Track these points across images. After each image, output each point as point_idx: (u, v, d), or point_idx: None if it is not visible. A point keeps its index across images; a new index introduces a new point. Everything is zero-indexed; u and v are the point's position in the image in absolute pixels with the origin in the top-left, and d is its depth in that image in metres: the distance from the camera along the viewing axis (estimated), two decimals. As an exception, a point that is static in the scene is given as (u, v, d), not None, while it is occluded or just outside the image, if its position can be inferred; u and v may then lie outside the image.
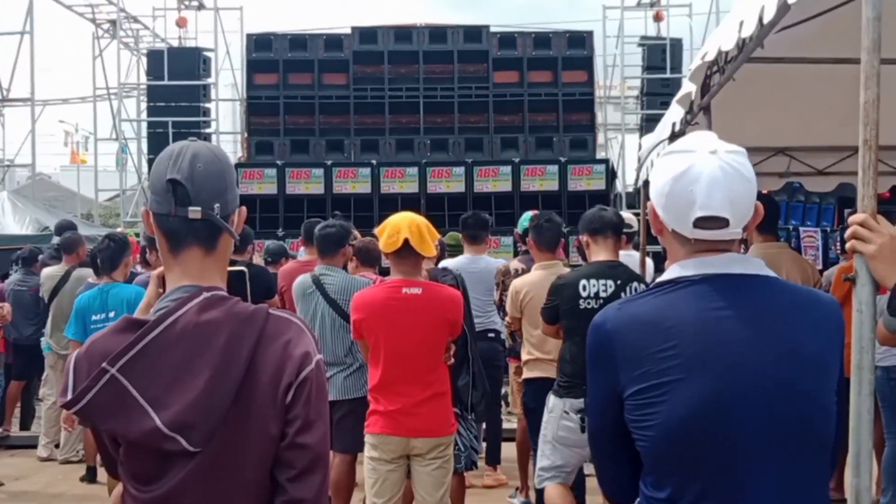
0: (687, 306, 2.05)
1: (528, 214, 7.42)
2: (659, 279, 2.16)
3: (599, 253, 5.45)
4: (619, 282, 5.30)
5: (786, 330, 2.04)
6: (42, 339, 9.14)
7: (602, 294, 5.25)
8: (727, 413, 1.99)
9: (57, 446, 8.94)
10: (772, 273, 2.13)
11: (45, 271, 9.32)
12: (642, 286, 5.25)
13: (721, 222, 2.05)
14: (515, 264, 6.94)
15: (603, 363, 2.13)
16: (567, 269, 6.12)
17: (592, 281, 5.30)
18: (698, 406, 1.99)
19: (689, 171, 2.05)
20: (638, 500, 2.15)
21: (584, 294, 5.28)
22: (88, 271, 8.50)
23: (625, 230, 8.16)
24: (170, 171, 1.99)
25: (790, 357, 2.02)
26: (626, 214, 8.76)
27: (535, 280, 6.14)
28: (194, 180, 1.99)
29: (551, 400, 5.42)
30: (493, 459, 7.78)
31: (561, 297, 5.38)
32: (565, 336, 5.45)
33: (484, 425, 7.65)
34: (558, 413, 5.33)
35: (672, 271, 2.13)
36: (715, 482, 2.01)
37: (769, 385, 2.00)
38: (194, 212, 1.98)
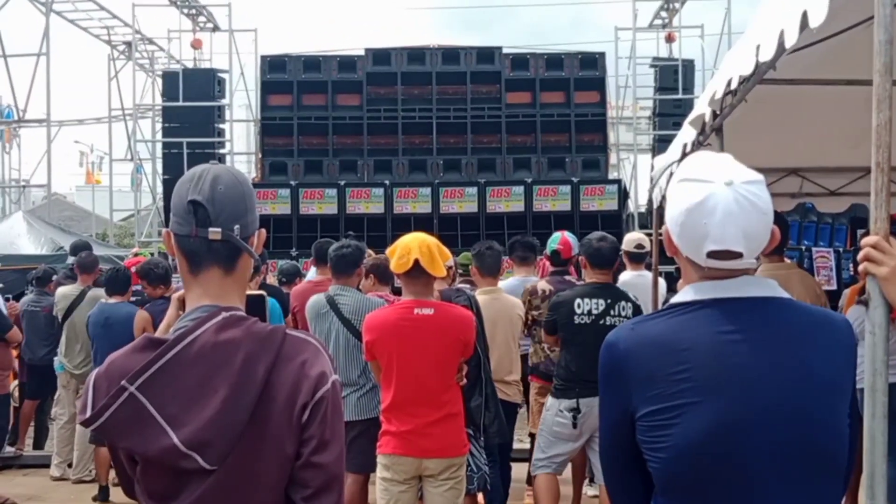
0: (701, 329, 2.05)
1: (558, 236, 7.47)
2: (673, 300, 2.16)
3: (594, 276, 6.29)
4: (608, 300, 6.14)
5: (799, 353, 2.04)
6: (55, 358, 9.17)
7: (594, 311, 6.10)
8: (740, 437, 1.99)
9: (70, 466, 8.95)
10: (786, 295, 2.13)
11: (60, 291, 9.34)
12: (629, 304, 6.13)
13: (734, 255, 2.05)
14: (543, 285, 6.97)
15: (616, 383, 2.13)
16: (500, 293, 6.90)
17: (586, 300, 6.14)
18: (711, 429, 1.98)
19: (704, 204, 2.03)
20: None
21: (578, 311, 6.12)
22: (103, 291, 8.58)
23: (636, 251, 8.24)
24: (191, 193, 2.02)
25: (804, 381, 2.02)
26: (639, 235, 8.77)
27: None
28: (215, 202, 2.02)
29: (549, 400, 6.31)
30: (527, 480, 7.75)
31: (559, 313, 6.21)
32: (562, 346, 6.29)
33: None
34: (554, 411, 6.17)
35: (686, 293, 2.13)
36: None
37: (782, 409, 1.99)
38: (214, 233, 2.01)
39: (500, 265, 7.16)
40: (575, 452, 6.30)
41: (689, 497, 2.04)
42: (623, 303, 6.14)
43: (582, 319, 6.08)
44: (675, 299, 2.14)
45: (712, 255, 2.05)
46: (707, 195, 2.04)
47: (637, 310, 6.19)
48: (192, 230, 2.02)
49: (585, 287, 6.27)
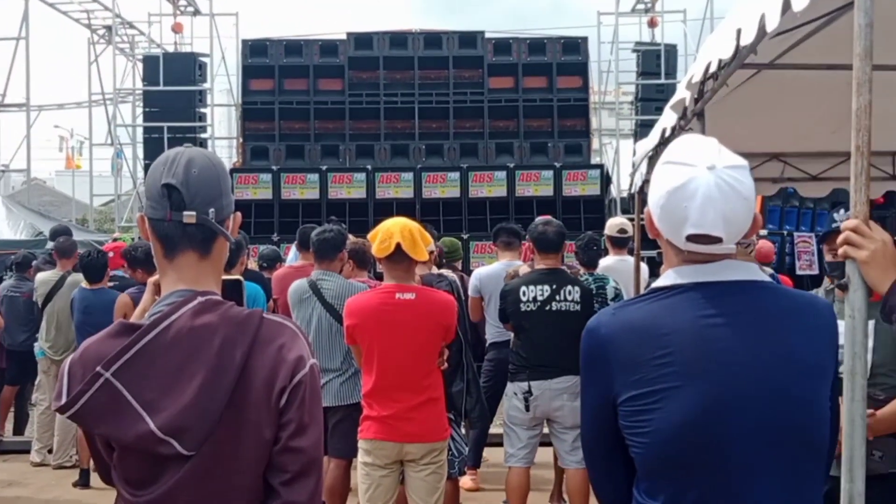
0: (682, 313, 2.05)
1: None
2: (654, 284, 2.16)
3: (542, 261, 6.39)
4: (553, 286, 6.22)
5: (781, 335, 2.04)
6: (35, 343, 9.12)
7: (539, 298, 6.22)
8: (722, 420, 1.99)
9: (50, 451, 8.92)
10: (767, 278, 2.14)
11: (40, 276, 9.28)
12: (576, 288, 6.21)
13: (713, 239, 2.05)
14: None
15: (597, 368, 2.13)
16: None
17: (531, 287, 6.24)
18: (693, 413, 1.99)
19: (685, 187, 2.03)
20: None
21: (524, 298, 6.25)
22: (80, 276, 8.54)
23: (619, 235, 8.26)
24: (165, 176, 2.00)
25: (785, 363, 2.02)
26: (622, 220, 8.80)
27: None
28: (189, 185, 2.00)
29: (507, 385, 6.45)
30: (474, 461, 7.80)
31: (506, 301, 6.37)
32: (514, 332, 6.46)
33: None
34: (510, 395, 6.35)
35: (667, 277, 2.13)
36: (709, 489, 2.01)
37: (764, 392, 2.00)
38: (189, 216, 1.99)
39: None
40: (536, 439, 6.41)
41: (671, 481, 2.04)
42: (569, 287, 6.23)
43: (528, 307, 6.20)
44: (657, 283, 2.15)
45: (692, 238, 2.06)
46: (688, 178, 2.04)
47: (586, 293, 6.25)
48: (166, 214, 2.00)
49: (532, 274, 6.38)
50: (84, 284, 8.03)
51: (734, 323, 2.03)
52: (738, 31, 3.35)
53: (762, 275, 2.13)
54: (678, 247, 2.10)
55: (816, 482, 2.10)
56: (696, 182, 2.02)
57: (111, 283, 8.16)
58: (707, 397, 1.99)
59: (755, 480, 2.00)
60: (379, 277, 5.87)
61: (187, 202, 1.99)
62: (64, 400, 1.89)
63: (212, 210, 2.02)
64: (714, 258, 2.09)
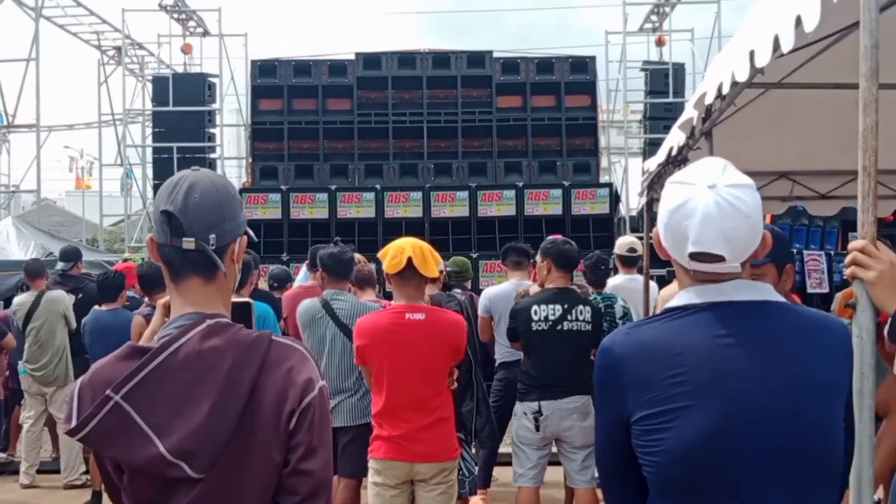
0: (695, 333, 2.05)
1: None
2: (668, 304, 2.16)
3: (555, 280, 6.30)
4: (566, 306, 6.17)
5: (795, 356, 2.03)
6: (19, 363, 9.25)
7: (551, 317, 6.16)
8: (734, 441, 1.98)
9: (39, 472, 9.00)
10: (781, 298, 2.14)
11: (16, 300, 9.51)
12: (587, 308, 6.17)
13: (715, 258, 2.05)
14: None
15: (611, 387, 2.12)
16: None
17: (543, 306, 6.18)
18: (706, 433, 1.98)
19: (685, 206, 2.05)
20: None
21: (535, 317, 6.19)
22: (60, 293, 8.65)
23: (629, 255, 8.26)
24: (164, 203, 2.03)
25: (799, 384, 2.01)
26: (631, 239, 8.79)
27: None
28: (188, 212, 2.01)
29: (517, 405, 6.36)
30: (484, 481, 7.79)
31: (518, 320, 6.30)
32: (524, 352, 6.41)
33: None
34: (520, 415, 6.28)
35: (681, 297, 2.13)
36: None
37: (777, 413, 1.99)
38: (188, 242, 2.01)
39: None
40: (545, 459, 6.38)
41: (683, 500, 2.03)
42: (581, 307, 6.19)
43: (539, 326, 6.17)
44: (671, 304, 2.15)
45: (694, 257, 2.07)
46: (688, 198, 2.05)
47: (596, 313, 6.24)
48: (167, 240, 2.03)
49: (543, 293, 6.34)
50: (97, 306, 8.06)
51: (747, 343, 2.03)
52: (752, 53, 3.34)
53: (776, 295, 2.12)
54: (685, 266, 2.11)
55: (831, 500, 2.08)
56: (694, 201, 2.04)
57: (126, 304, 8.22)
58: (719, 417, 1.98)
59: (767, 500, 1.99)
60: (388, 297, 5.88)
61: (185, 228, 2.01)
62: (74, 423, 1.90)
63: (212, 236, 2.02)
64: (724, 277, 2.09)
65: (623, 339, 2.14)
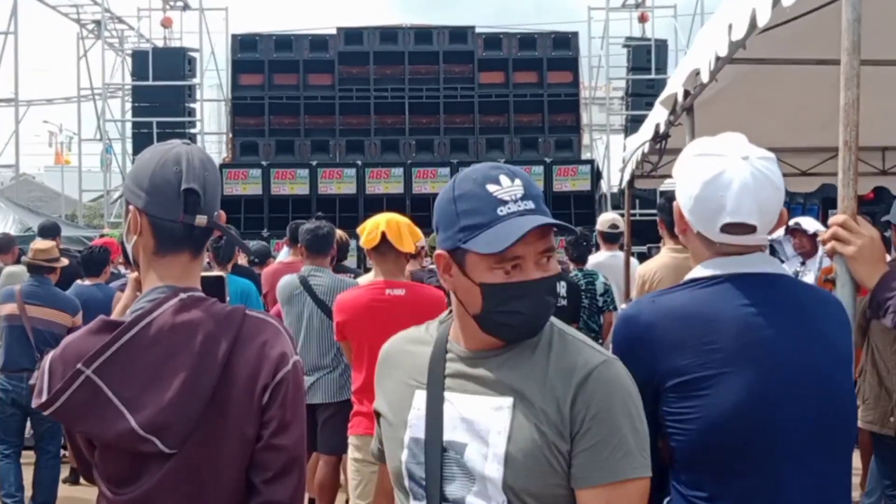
0: (724, 302, 2.05)
1: None
2: (689, 276, 2.16)
3: None
4: None
5: (817, 325, 2.08)
6: None
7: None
8: (771, 408, 1.99)
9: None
10: (790, 273, 2.17)
11: None
12: (563, 283, 6.26)
13: (748, 228, 2.07)
14: None
15: (637, 355, 2.04)
16: None
17: None
18: (743, 401, 1.98)
19: (721, 177, 2.06)
20: (668, 499, 2.12)
21: None
22: (20, 268, 8.58)
23: (611, 231, 8.26)
24: (186, 180, 1.96)
25: (827, 351, 2.06)
26: (613, 215, 8.79)
27: None
28: (206, 189, 1.98)
29: None
30: None
31: None
32: None
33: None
34: None
35: (703, 269, 2.13)
36: (756, 477, 2.00)
37: (811, 380, 2.02)
38: (201, 220, 1.97)
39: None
40: None
41: (714, 470, 2.03)
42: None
43: None
44: (692, 275, 2.15)
45: (727, 228, 2.07)
46: (724, 168, 2.06)
47: (573, 288, 6.22)
48: (177, 215, 1.96)
49: None
50: (80, 281, 8.00)
51: (775, 313, 2.05)
52: (730, 27, 3.34)
53: (785, 269, 2.17)
54: (710, 239, 2.11)
55: (850, 468, 2.13)
56: (731, 171, 2.05)
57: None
58: (756, 384, 1.99)
59: (801, 467, 2.00)
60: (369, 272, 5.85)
61: (202, 206, 1.97)
62: (45, 397, 1.87)
63: (216, 213, 2.01)
64: (746, 250, 2.11)
65: (650, 307, 2.12)
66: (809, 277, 7.20)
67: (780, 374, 2.00)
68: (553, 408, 1.79)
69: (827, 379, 2.04)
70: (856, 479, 5.73)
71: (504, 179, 1.90)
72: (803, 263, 7.70)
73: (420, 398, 1.94)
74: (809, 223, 7.75)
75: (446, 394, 1.89)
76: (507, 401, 1.82)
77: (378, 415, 2.13)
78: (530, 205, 1.83)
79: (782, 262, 7.95)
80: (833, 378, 2.05)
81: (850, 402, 2.11)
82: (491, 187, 1.88)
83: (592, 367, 1.82)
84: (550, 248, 1.85)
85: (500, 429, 1.81)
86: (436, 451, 1.86)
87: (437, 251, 1.91)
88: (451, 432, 1.86)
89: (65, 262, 7.62)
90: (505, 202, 1.84)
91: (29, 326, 6.89)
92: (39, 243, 7.63)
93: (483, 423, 1.82)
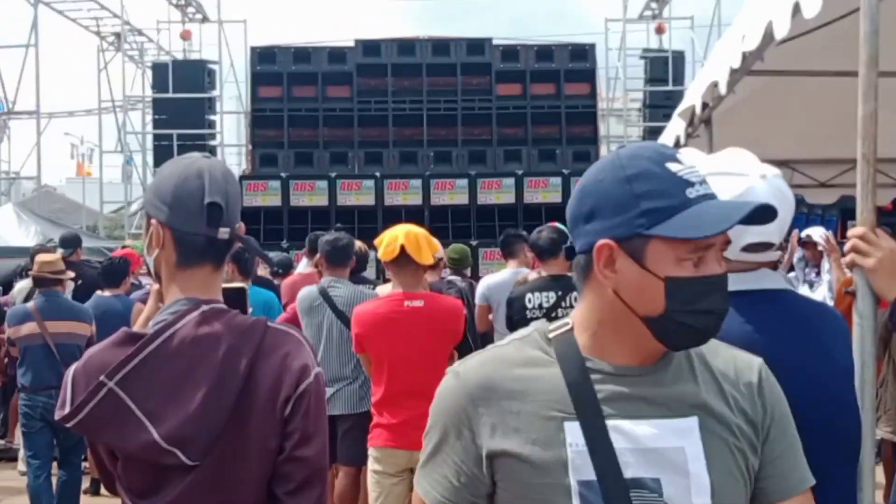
0: (730, 320, 2.03)
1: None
2: None
3: (550, 267, 6.22)
4: (560, 293, 6.06)
5: (820, 339, 2.09)
6: None
7: (545, 305, 6.05)
8: None
9: None
10: (791, 287, 2.17)
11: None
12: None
13: (767, 246, 2.09)
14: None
15: None
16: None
17: (537, 294, 6.10)
18: None
19: (746, 197, 2.04)
20: None
21: (529, 305, 6.06)
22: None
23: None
24: (210, 193, 1.97)
25: (832, 368, 2.07)
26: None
27: None
28: (229, 203, 2.00)
29: None
30: None
31: (512, 309, 6.20)
32: None
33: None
34: None
35: None
36: None
37: (814, 395, 2.01)
38: (224, 233, 1.99)
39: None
40: None
41: None
42: (575, 293, 6.02)
43: (533, 314, 6.03)
44: None
45: (749, 247, 2.07)
46: (748, 188, 2.08)
47: None
48: (199, 228, 1.98)
49: (538, 281, 6.27)
50: (99, 291, 8.05)
51: (779, 329, 2.06)
52: (743, 38, 3.34)
53: (786, 284, 2.19)
54: (727, 257, 2.11)
55: (854, 482, 2.15)
56: (755, 191, 2.06)
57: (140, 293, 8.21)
58: None
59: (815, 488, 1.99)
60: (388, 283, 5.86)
61: (224, 219, 1.99)
62: (68, 409, 1.89)
63: (238, 225, 2.03)
64: (753, 267, 2.12)
65: None
66: (824, 288, 7.19)
67: (786, 388, 2.00)
68: (743, 419, 1.63)
69: (829, 393, 2.04)
70: (878, 494, 5.70)
71: (683, 158, 1.63)
72: (818, 274, 7.68)
73: (573, 431, 1.59)
74: (818, 233, 7.75)
75: (609, 422, 1.58)
76: (692, 421, 1.60)
77: (491, 458, 1.67)
78: (710, 189, 1.61)
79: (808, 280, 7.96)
80: (834, 392, 2.05)
81: (853, 416, 2.11)
82: (673, 166, 1.59)
83: (759, 366, 1.68)
84: (728, 240, 1.65)
85: (695, 455, 1.57)
86: (621, 492, 1.55)
87: (601, 242, 1.59)
88: (634, 468, 1.56)
89: (71, 274, 7.62)
90: (692, 183, 1.57)
91: (52, 343, 6.89)
92: (45, 256, 7.63)
93: (673, 451, 1.58)
